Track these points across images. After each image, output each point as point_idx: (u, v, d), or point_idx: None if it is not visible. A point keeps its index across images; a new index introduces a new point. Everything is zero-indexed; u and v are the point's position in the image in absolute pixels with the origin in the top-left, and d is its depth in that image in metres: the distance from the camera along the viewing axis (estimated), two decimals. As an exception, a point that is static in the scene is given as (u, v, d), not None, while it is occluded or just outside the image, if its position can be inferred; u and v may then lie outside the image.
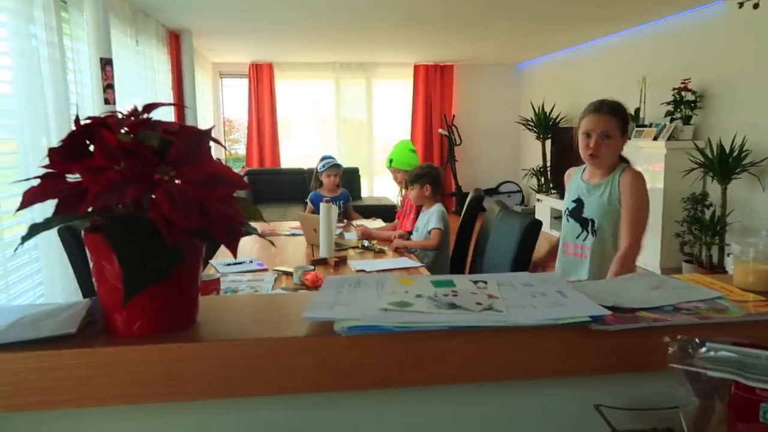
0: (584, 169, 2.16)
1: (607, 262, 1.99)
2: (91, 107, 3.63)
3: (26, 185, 0.65)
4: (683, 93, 5.03)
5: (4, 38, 2.67)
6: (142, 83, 4.74)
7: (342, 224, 3.75)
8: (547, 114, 7.58)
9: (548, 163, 7.64)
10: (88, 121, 0.68)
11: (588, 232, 2.05)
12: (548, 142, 7.61)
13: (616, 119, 1.99)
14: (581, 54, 7.19)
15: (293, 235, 3.46)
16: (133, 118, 0.68)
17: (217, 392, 0.66)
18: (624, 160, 2.15)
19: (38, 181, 0.69)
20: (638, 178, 1.99)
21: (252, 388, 0.67)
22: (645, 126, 5.53)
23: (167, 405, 0.69)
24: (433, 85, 8.68)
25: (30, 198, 0.67)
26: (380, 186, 8.59)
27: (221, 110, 8.75)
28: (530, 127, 7.80)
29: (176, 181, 0.62)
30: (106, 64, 3.69)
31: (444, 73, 8.70)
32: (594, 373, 0.73)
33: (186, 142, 0.63)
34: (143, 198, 0.64)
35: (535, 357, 0.70)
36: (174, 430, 0.71)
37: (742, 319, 0.74)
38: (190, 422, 0.71)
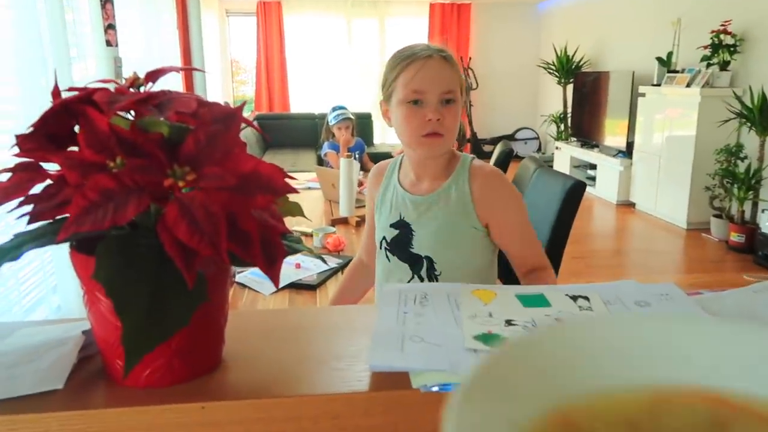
0: (399, 168, 1.28)
1: None
2: (93, 50, 3.39)
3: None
4: (722, 36, 4.68)
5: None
6: (146, 23, 4.45)
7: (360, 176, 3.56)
8: (570, 57, 7.21)
9: (569, 110, 7.32)
10: (71, 94, 0.48)
11: (421, 277, 1.20)
12: (569, 87, 7.27)
13: (455, 68, 1.17)
14: (609, -7, 6.74)
15: (309, 188, 3.28)
16: (132, 90, 0.48)
17: (255, 464, 0.50)
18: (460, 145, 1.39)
19: (7, 174, 0.51)
20: (501, 178, 1.21)
21: (302, 459, 0.50)
22: (677, 72, 5.20)
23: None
24: (449, 25, 8.25)
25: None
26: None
27: (228, 51, 8.40)
28: (551, 71, 7.44)
29: (195, 187, 0.43)
30: (106, 2, 3.42)
31: (460, 13, 8.26)
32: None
33: (207, 128, 0.44)
34: (148, 212, 0.45)
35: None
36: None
37: None
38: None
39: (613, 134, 6.13)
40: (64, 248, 0.52)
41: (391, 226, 1.22)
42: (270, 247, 0.46)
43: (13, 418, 0.46)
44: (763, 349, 0.27)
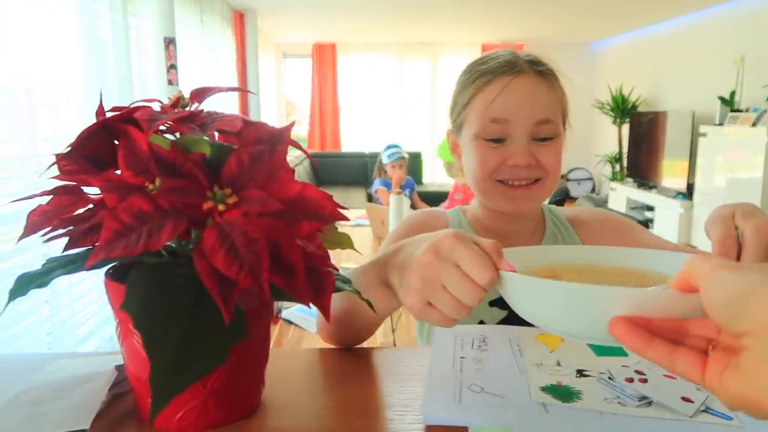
0: (465, 219, 0.96)
1: None
2: (155, 89, 3.52)
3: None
4: (790, 74, 4.48)
5: (70, 17, 2.56)
6: (206, 64, 4.62)
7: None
8: (625, 97, 7.06)
9: (624, 150, 7.13)
10: (112, 114, 0.46)
11: None
12: (625, 127, 7.09)
13: (558, 92, 0.89)
14: (664, 32, 6.61)
15: (358, 225, 3.25)
16: (176, 111, 0.46)
17: None
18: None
19: (48, 197, 0.48)
20: (608, 214, 1.00)
21: None
22: (740, 111, 5.00)
23: None
24: (502, 65, 8.25)
25: (37, 221, 0.47)
26: (443, 171, 8.28)
27: (283, 92, 8.64)
28: (606, 110, 7.29)
29: (235, 212, 0.40)
30: (169, 43, 3.57)
31: (513, 53, 8.26)
32: None
33: (251, 149, 0.41)
34: (188, 239, 0.42)
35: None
36: None
37: None
38: None
39: (672, 175, 5.91)
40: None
41: (492, 304, 0.84)
42: (318, 278, 0.42)
43: (35, 460, 0.43)
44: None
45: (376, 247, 2.74)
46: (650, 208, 6.16)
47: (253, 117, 5.35)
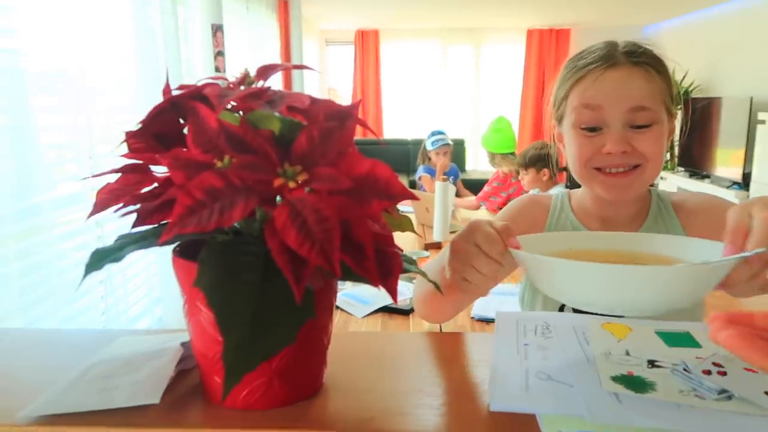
0: (570, 203, 1.00)
1: None
2: (203, 75, 3.58)
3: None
4: None
5: (123, 3, 2.61)
6: (251, 51, 4.67)
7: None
8: (679, 82, 6.81)
9: (676, 138, 6.88)
10: (179, 92, 0.46)
11: None
12: (678, 114, 6.85)
13: (659, 78, 0.88)
14: (721, 14, 6.33)
15: (402, 212, 3.24)
16: (242, 87, 0.45)
17: (358, 506, 0.44)
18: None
19: (116, 175, 0.49)
20: (713, 198, 0.96)
21: (410, 506, 0.44)
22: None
23: None
24: (547, 52, 8.07)
25: (105, 198, 0.47)
26: (485, 158, 8.18)
27: (326, 79, 8.66)
28: (657, 97, 7.06)
29: (306, 189, 0.39)
30: (216, 30, 3.61)
31: (559, 39, 8.06)
32: None
33: (321, 125, 0.40)
34: (253, 218, 0.42)
35: None
36: None
37: None
38: None
39: (726, 164, 5.68)
40: (169, 259, 0.49)
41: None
42: (385, 259, 0.41)
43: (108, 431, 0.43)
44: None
45: (421, 236, 2.72)
46: (703, 199, 5.95)
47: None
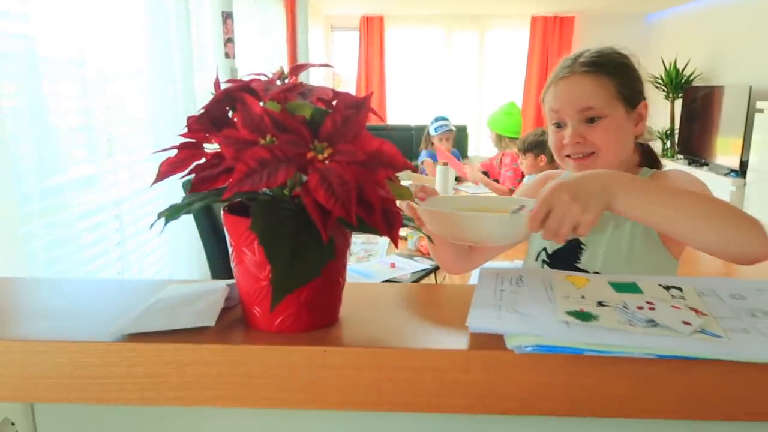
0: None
1: None
2: (213, 61, 3.69)
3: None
4: None
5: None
6: (260, 36, 4.77)
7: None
8: (680, 71, 6.88)
9: (677, 125, 6.98)
10: (229, 85, 0.59)
11: None
12: (678, 102, 6.93)
13: (607, 79, 1.08)
14: (723, 3, 6.39)
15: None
16: (279, 82, 0.58)
17: (367, 404, 0.57)
18: (650, 158, 1.21)
19: (174, 151, 0.62)
20: (679, 173, 1.14)
21: (407, 403, 0.57)
22: (802, 88, 4.84)
23: (311, 413, 0.62)
24: (551, 39, 8.14)
25: (167, 169, 0.60)
26: (489, 144, 8.27)
27: (331, 64, 8.74)
28: (658, 84, 7.13)
29: (330, 162, 0.52)
30: (227, 17, 3.72)
31: (563, 26, 8.12)
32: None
33: (342, 112, 0.53)
34: (284, 186, 0.54)
35: (760, 396, 0.55)
36: (313, 436, 0.64)
37: None
38: None
39: (725, 153, 5.78)
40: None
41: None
42: (389, 215, 0.54)
43: (177, 347, 0.57)
44: None
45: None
46: (701, 186, 6.04)
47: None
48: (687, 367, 0.55)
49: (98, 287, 0.75)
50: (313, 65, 0.61)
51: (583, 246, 1.15)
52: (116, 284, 0.76)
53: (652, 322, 0.58)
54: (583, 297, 0.66)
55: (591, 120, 1.08)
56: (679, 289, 0.68)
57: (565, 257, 1.17)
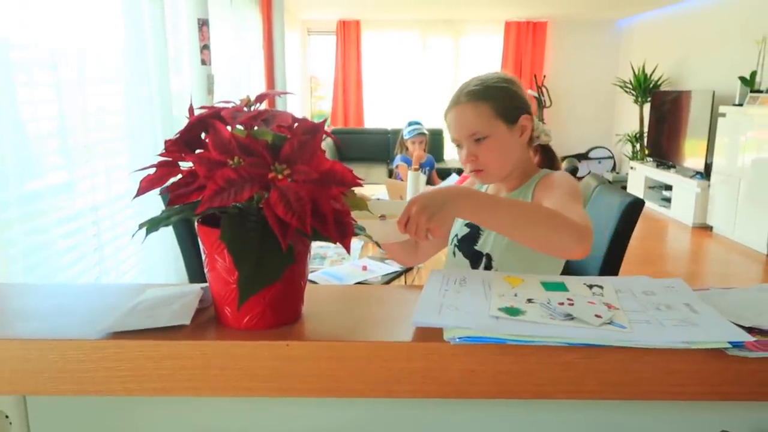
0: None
1: None
2: (189, 67, 3.74)
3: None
4: (810, 56, 4.52)
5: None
6: (235, 42, 4.82)
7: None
8: (648, 76, 7.09)
9: (645, 129, 7.19)
10: (203, 111, 0.67)
11: None
12: (647, 106, 7.14)
13: (485, 105, 1.27)
14: (689, 10, 6.61)
15: (379, 200, 3.45)
16: (246, 110, 0.66)
17: (325, 391, 0.66)
18: (550, 159, 1.46)
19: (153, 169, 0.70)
20: (555, 174, 1.34)
21: (359, 389, 0.66)
22: (760, 92, 5.05)
23: (275, 400, 0.70)
24: (524, 44, 8.31)
25: (146, 185, 0.68)
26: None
27: (308, 67, 8.80)
28: (628, 89, 7.34)
29: (289, 180, 0.60)
30: (203, 24, 3.77)
31: (536, 31, 8.30)
32: (724, 398, 0.66)
33: (299, 137, 0.61)
34: (251, 200, 0.63)
35: (657, 378, 0.65)
36: (282, 424, 0.72)
37: None
38: (299, 417, 0.72)
39: (692, 155, 5.98)
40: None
41: (466, 224, 1.43)
42: (342, 225, 0.62)
43: (157, 343, 0.65)
44: None
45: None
46: (668, 188, 6.25)
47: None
48: (597, 354, 0.64)
49: (83, 291, 0.82)
50: (275, 93, 0.69)
51: (481, 232, 1.39)
52: (99, 288, 0.83)
53: (569, 316, 0.68)
54: (515, 295, 0.75)
55: (479, 140, 1.28)
56: (600, 287, 0.77)
57: (468, 241, 1.41)
